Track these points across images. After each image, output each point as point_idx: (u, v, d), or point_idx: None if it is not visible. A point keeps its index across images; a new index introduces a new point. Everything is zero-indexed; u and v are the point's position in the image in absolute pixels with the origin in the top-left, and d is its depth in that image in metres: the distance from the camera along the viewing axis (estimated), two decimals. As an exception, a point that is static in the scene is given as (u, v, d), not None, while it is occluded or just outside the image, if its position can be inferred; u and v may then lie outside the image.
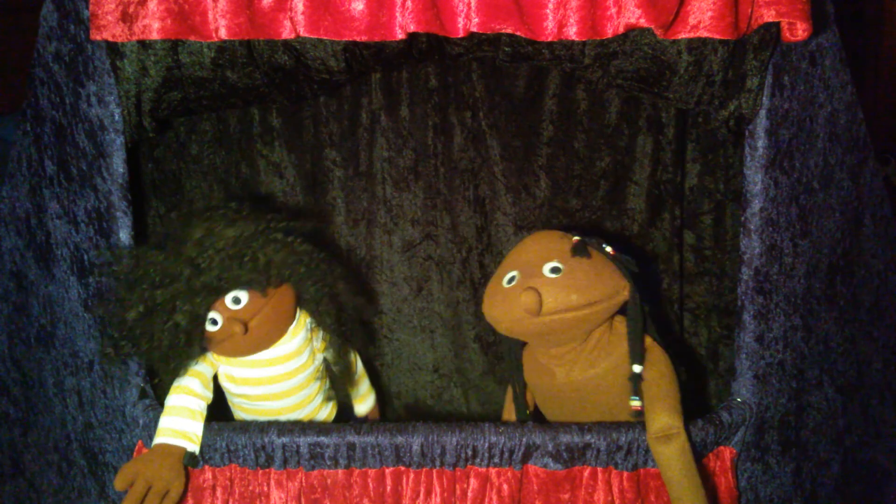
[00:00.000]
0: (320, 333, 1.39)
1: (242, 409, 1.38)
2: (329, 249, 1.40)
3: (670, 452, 1.15)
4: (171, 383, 1.27)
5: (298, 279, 1.31)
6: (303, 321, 1.37)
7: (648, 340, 1.28)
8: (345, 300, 1.39)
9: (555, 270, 1.23)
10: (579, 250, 1.25)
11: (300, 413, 1.38)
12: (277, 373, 1.33)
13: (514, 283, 1.25)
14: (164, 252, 1.23)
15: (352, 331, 1.42)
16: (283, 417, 1.36)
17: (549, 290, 1.21)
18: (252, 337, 1.27)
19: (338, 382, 1.45)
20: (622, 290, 1.24)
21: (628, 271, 1.26)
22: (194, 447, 1.20)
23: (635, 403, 1.23)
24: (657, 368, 1.24)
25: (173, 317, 1.20)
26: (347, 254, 1.73)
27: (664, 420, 1.16)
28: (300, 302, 1.35)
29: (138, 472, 1.15)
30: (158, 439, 1.19)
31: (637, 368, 1.23)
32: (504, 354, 1.45)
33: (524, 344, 1.38)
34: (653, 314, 1.32)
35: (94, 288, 1.28)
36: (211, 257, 1.22)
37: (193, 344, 1.23)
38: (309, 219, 1.46)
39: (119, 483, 1.15)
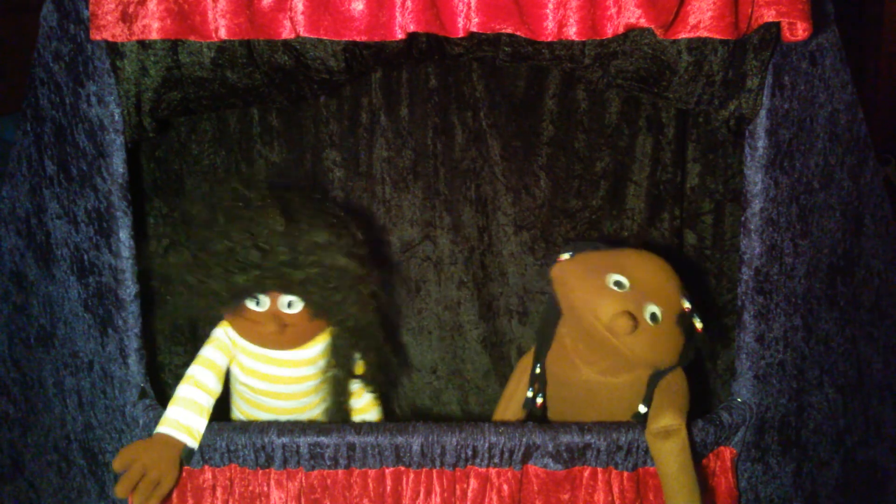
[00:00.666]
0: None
1: (241, 396, 1.38)
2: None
3: (668, 448, 1.15)
4: (173, 362, 1.29)
5: (344, 328, 1.34)
6: (327, 333, 1.37)
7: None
8: (372, 361, 1.40)
9: (654, 318, 1.24)
10: (682, 321, 1.26)
11: (295, 417, 1.38)
12: (287, 374, 1.34)
13: (619, 290, 1.25)
14: (275, 218, 1.24)
15: (373, 380, 1.44)
16: (281, 418, 1.36)
17: (641, 335, 1.21)
18: (276, 338, 1.28)
19: (331, 403, 1.45)
20: (669, 362, 1.25)
21: (689, 354, 1.27)
22: (194, 444, 1.20)
23: (642, 409, 1.25)
24: (670, 376, 1.24)
25: (238, 276, 1.22)
26: (382, 278, 1.72)
27: (667, 417, 1.16)
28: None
29: (137, 457, 1.16)
30: (162, 428, 1.20)
31: (643, 409, 1.24)
32: (543, 315, 1.44)
33: (560, 317, 1.36)
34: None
35: (94, 288, 1.28)
36: (311, 263, 1.24)
37: (229, 306, 1.26)
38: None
39: (117, 464, 1.16)
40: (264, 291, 1.26)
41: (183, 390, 1.24)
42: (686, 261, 1.66)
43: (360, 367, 1.42)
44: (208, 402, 1.24)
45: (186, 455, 1.20)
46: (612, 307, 1.21)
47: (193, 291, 1.26)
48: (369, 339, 1.38)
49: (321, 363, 1.37)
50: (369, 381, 1.44)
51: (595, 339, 1.25)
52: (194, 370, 1.28)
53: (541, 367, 1.38)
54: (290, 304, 1.28)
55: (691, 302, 1.29)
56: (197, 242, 1.25)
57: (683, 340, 1.27)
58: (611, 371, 1.28)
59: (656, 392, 1.22)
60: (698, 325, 1.29)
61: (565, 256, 1.33)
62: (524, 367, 1.44)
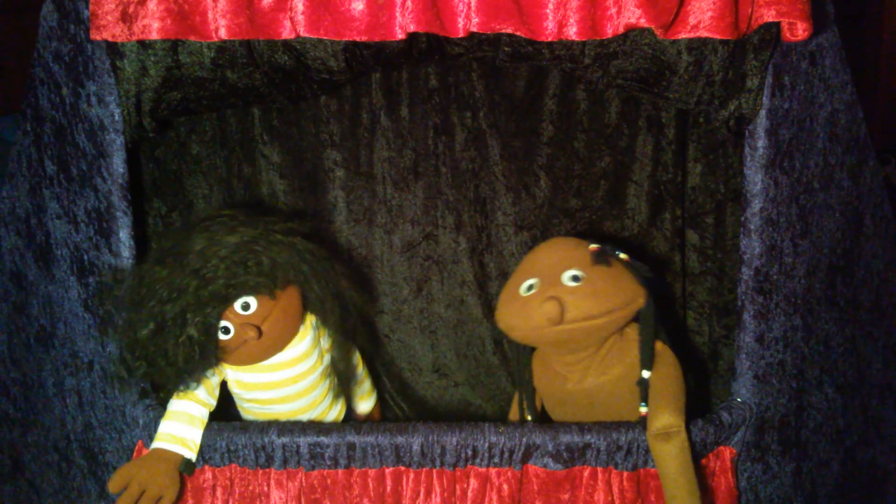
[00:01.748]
0: (326, 333, 1.39)
1: (253, 414, 1.37)
2: (328, 247, 1.40)
3: (669, 450, 1.15)
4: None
5: (304, 279, 1.31)
6: (309, 323, 1.36)
7: (659, 345, 1.27)
8: (348, 297, 1.38)
9: (575, 279, 1.23)
10: (599, 259, 1.24)
11: (311, 414, 1.38)
12: (288, 376, 1.33)
13: (532, 290, 1.25)
14: (166, 267, 1.22)
15: (355, 328, 1.42)
16: (296, 419, 1.36)
17: (572, 299, 1.20)
18: (266, 340, 1.26)
19: (342, 381, 1.44)
20: (639, 297, 1.24)
21: (643, 278, 1.26)
22: (191, 455, 1.19)
23: (644, 410, 1.23)
24: (664, 369, 1.24)
25: (185, 330, 1.19)
26: (349, 253, 1.73)
27: (665, 418, 1.16)
28: (305, 302, 1.34)
29: (133, 475, 1.15)
30: (156, 444, 1.19)
31: (646, 374, 1.23)
32: (511, 359, 1.45)
33: (533, 349, 1.37)
34: (662, 316, 1.32)
35: (94, 288, 1.28)
36: (216, 266, 1.21)
37: (209, 355, 1.22)
38: (307, 218, 1.45)
39: (113, 486, 1.15)
40: (218, 319, 1.23)
41: (174, 405, 1.23)
42: (686, 261, 1.67)
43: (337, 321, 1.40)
44: (201, 413, 1.23)
45: (185, 467, 1.19)
46: (535, 307, 1.22)
47: (180, 377, 1.22)
48: (331, 277, 1.35)
49: (315, 354, 1.36)
50: (350, 330, 1.42)
51: (564, 341, 1.25)
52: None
53: (531, 413, 1.39)
54: (247, 307, 1.25)
55: (597, 242, 1.29)
56: (137, 332, 1.20)
57: (623, 272, 1.26)
58: (601, 370, 1.28)
59: (652, 390, 1.22)
60: (621, 255, 1.28)
61: (497, 308, 1.34)
62: (515, 408, 1.46)
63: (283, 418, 1.36)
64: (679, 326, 1.69)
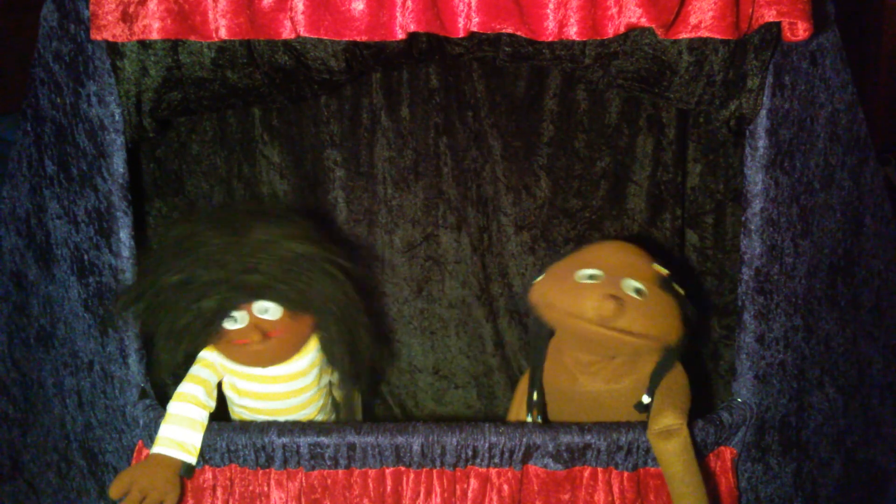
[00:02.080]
0: (330, 371, 1.38)
1: (240, 419, 1.37)
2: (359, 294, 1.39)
3: (671, 449, 1.14)
4: (166, 376, 1.26)
5: (324, 317, 1.30)
6: (314, 342, 1.35)
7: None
8: (361, 348, 1.37)
9: (639, 292, 1.21)
10: (666, 285, 1.24)
11: None
12: (281, 390, 1.33)
13: (595, 281, 1.22)
14: (220, 235, 1.22)
15: (359, 374, 1.41)
16: None
17: (632, 311, 1.18)
18: (263, 350, 1.26)
19: (336, 413, 1.44)
20: (675, 334, 1.23)
21: (687, 318, 1.25)
22: (192, 459, 1.19)
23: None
24: (672, 377, 1.23)
25: (202, 301, 1.19)
26: (348, 253, 1.72)
27: (668, 417, 1.15)
28: (317, 331, 1.34)
29: (134, 480, 1.15)
30: (156, 448, 1.18)
31: (646, 399, 1.23)
32: (531, 338, 1.42)
33: (551, 336, 1.35)
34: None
35: (94, 288, 1.28)
36: (265, 262, 1.21)
37: (208, 334, 1.23)
38: (358, 257, 1.43)
39: (114, 491, 1.15)
40: (235, 307, 1.23)
41: (174, 407, 1.22)
42: (687, 261, 1.66)
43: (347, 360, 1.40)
44: (201, 416, 1.22)
45: (185, 471, 1.19)
46: (593, 298, 1.18)
47: (171, 338, 1.22)
48: (353, 320, 1.34)
49: (314, 373, 1.35)
50: (358, 371, 1.42)
51: (594, 341, 1.23)
52: (184, 387, 1.25)
53: (538, 393, 1.38)
54: (267, 311, 1.25)
55: (666, 268, 1.28)
56: (159, 282, 1.21)
57: (677, 307, 1.25)
58: (613, 378, 1.28)
59: (657, 392, 1.22)
60: (679, 289, 1.27)
61: (538, 279, 1.32)
62: (522, 391, 1.44)
63: None
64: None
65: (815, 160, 1.28)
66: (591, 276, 1.24)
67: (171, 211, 1.58)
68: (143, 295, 1.21)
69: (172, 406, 1.22)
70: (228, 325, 1.24)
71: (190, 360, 1.32)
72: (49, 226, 1.33)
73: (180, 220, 1.24)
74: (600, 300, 1.17)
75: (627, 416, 1.27)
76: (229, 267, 1.20)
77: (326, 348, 1.34)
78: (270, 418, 1.34)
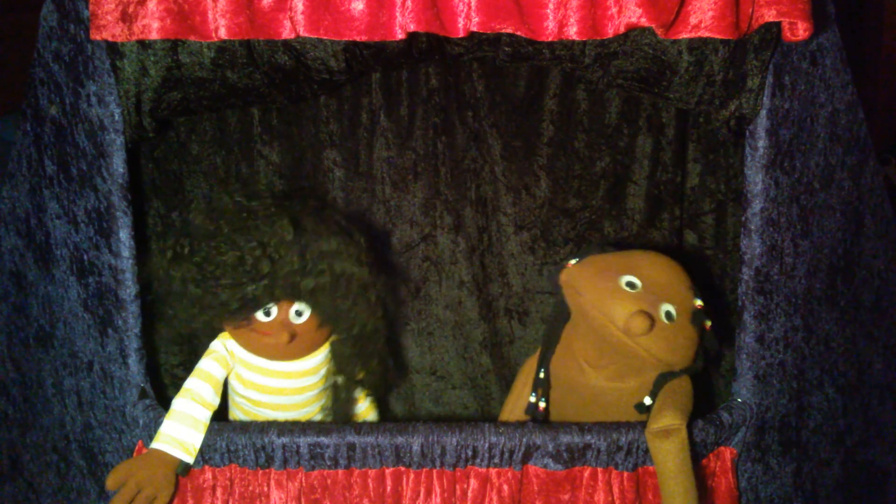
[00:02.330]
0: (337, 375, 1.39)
1: (240, 409, 1.37)
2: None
3: (667, 447, 1.14)
4: (173, 362, 1.27)
5: (348, 333, 1.32)
6: (326, 343, 1.36)
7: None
8: (373, 365, 1.39)
9: (669, 316, 1.23)
10: (696, 320, 1.25)
11: None
12: (287, 386, 1.33)
13: (634, 290, 1.24)
14: (283, 229, 1.23)
15: (370, 386, 1.43)
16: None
17: (658, 333, 1.21)
18: (283, 348, 1.28)
19: (334, 414, 1.44)
20: (688, 363, 1.25)
21: (706, 352, 1.27)
22: (190, 459, 1.19)
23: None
24: (676, 382, 1.24)
25: (247, 286, 1.20)
26: (388, 282, 1.72)
27: (667, 417, 1.15)
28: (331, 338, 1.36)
29: (131, 473, 1.15)
30: (156, 444, 1.19)
31: (648, 401, 1.24)
32: (549, 318, 1.43)
33: (567, 320, 1.36)
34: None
35: (94, 288, 1.28)
36: (320, 271, 1.24)
37: (237, 319, 1.24)
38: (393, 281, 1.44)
39: (111, 482, 1.15)
40: (275, 301, 1.26)
41: (179, 404, 1.22)
42: (687, 261, 1.66)
43: (360, 373, 1.42)
44: (205, 416, 1.23)
45: (182, 470, 1.19)
46: (627, 308, 1.20)
47: (199, 304, 1.24)
48: (372, 344, 1.37)
49: (322, 372, 1.36)
50: (369, 385, 1.44)
51: (609, 342, 1.24)
52: (192, 383, 1.26)
53: (545, 372, 1.38)
54: (298, 314, 1.28)
55: (702, 300, 1.29)
56: (202, 253, 1.24)
57: (697, 340, 1.26)
58: (618, 376, 1.28)
59: (660, 395, 1.22)
60: (707, 323, 1.28)
61: (573, 262, 1.32)
62: (528, 371, 1.44)
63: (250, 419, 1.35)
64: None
65: (815, 160, 1.28)
66: (630, 284, 1.25)
67: (171, 211, 1.58)
68: (192, 255, 1.22)
69: (178, 402, 1.23)
70: (260, 315, 1.26)
71: (193, 356, 1.32)
72: (49, 226, 1.33)
73: (242, 192, 1.26)
74: (634, 313, 1.19)
75: (627, 415, 1.27)
76: (283, 262, 1.21)
77: (337, 356, 1.36)
78: (272, 412, 1.34)
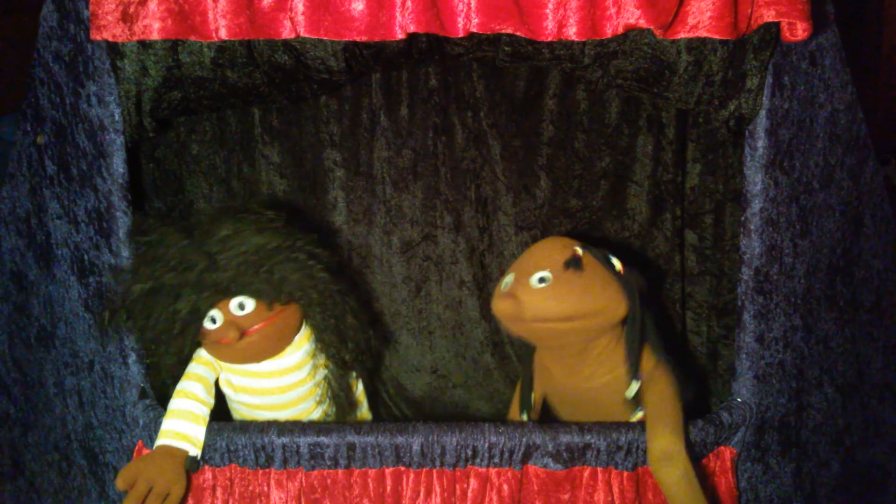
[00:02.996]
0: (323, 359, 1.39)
1: (239, 414, 1.37)
2: (345, 281, 1.39)
3: (673, 478, 1.13)
4: (167, 377, 1.27)
5: (308, 303, 1.30)
6: (306, 335, 1.36)
7: (652, 361, 1.26)
8: (351, 335, 1.37)
9: (542, 280, 1.23)
10: (571, 263, 1.24)
11: None
12: (276, 385, 1.33)
13: (507, 287, 1.26)
14: (189, 239, 1.23)
15: (355, 360, 1.41)
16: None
17: (529, 300, 1.22)
18: (245, 346, 1.26)
19: (339, 409, 1.44)
20: (616, 308, 1.23)
21: (631, 289, 1.24)
22: (196, 451, 1.19)
23: (640, 415, 1.24)
24: (657, 388, 1.22)
25: (176, 303, 1.20)
26: (348, 254, 1.73)
27: (663, 442, 1.15)
28: (306, 322, 1.34)
29: (140, 472, 1.15)
30: (161, 441, 1.19)
31: (634, 386, 1.22)
32: (516, 348, 1.47)
33: (533, 349, 1.38)
34: (657, 319, 1.31)
35: (94, 288, 1.28)
36: (230, 258, 1.22)
37: (187, 335, 1.23)
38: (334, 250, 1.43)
39: (121, 483, 1.15)
40: (208, 306, 1.23)
41: (176, 403, 1.23)
42: (685, 261, 1.67)
43: (346, 353, 1.40)
44: (203, 412, 1.23)
45: (190, 463, 1.19)
46: (494, 304, 1.26)
47: (154, 342, 1.23)
48: (344, 320, 1.35)
49: (308, 367, 1.35)
50: (357, 361, 1.42)
51: (538, 341, 1.29)
52: (183, 384, 1.26)
53: (529, 395, 1.39)
54: (242, 307, 1.25)
55: (588, 246, 1.27)
56: (130, 296, 1.22)
57: (599, 279, 1.24)
58: (588, 374, 1.29)
59: (647, 412, 1.20)
60: (617, 264, 1.25)
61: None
62: (518, 393, 1.46)
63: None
64: (676, 326, 1.69)
65: (815, 160, 1.28)
66: (507, 283, 1.27)
67: (171, 211, 1.58)
68: (122, 305, 1.22)
69: (174, 402, 1.23)
70: (208, 325, 1.24)
71: (188, 357, 1.32)
72: (49, 226, 1.33)
73: (149, 229, 1.24)
74: (496, 304, 1.25)
75: (611, 413, 1.28)
76: (195, 268, 1.20)
77: (318, 336, 1.35)
78: (268, 413, 1.34)
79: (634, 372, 1.23)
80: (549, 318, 1.22)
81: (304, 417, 1.38)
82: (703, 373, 1.66)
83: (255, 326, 1.26)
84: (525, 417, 1.38)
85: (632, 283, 1.25)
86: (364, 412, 1.57)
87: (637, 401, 1.24)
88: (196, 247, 1.22)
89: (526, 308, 1.22)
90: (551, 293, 1.22)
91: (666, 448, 1.14)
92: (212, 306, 1.23)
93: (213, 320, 1.24)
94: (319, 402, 1.39)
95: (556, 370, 1.32)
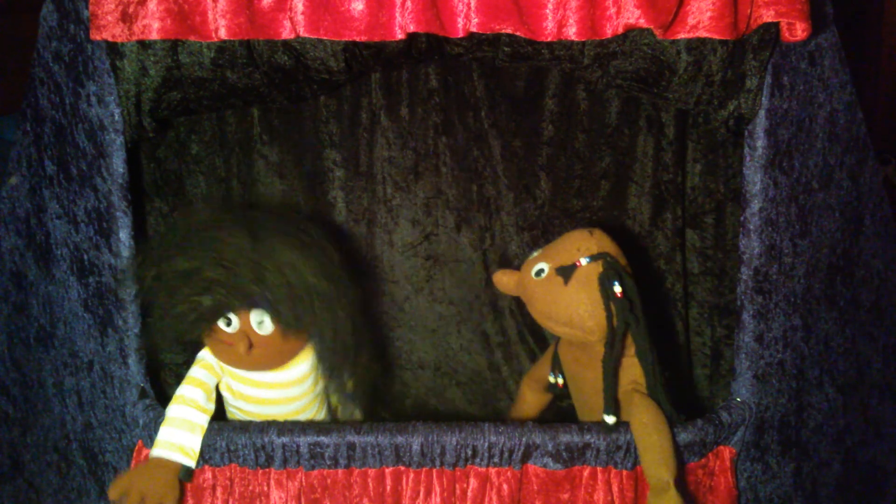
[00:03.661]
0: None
1: (235, 419, 1.36)
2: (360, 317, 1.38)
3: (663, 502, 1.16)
4: (154, 347, 1.26)
5: (320, 340, 1.30)
6: (310, 350, 1.34)
7: (641, 384, 1.25)
8: (358, 370, 1.37)
9: (539, 273, 1.30)
10: (562, 272, 1.27)
11: None
12: (276, 396, 1.32)
13: (531, 259, 1.35)
14: (238, 237, 1.21)
15: (358, 395, 1.42)
16: None
17: (523, 284, 1.32)
18: (247, 358, 1.25)
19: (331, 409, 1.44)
20: (588, 331, 1.24)
21: (622, 317, 1.22)
22: (190, 462, 1.19)
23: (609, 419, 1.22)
24: (638, 418, 1.20)
25: (202, 296, 1.18)
26: (348, 254, 1.73)
27: (652, 480, 1.16)
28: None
29: (133, 483, 1.15)
30: (156, 451, 1.18)
31: (609, 420, 1.21)
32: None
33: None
34: (653, 320, 1.31)
35: (94, 288, 1.28)
36: (277, 283, 1.20)
37: (197, 330, 1.23)
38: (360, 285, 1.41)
39: (113, 493, 1.15)
40: (232, 311, 1.22)
41: (173, 410, 1.21)
42: (686, 261, 1.67)
43: (349, 383, 1.40)
44: (201, 420, 1.22)
45: (184, 474, 1.19)
46: (495, 277, 1.40)
47: (163, 314, 1.21)
48: (351, 355, 1.33)
49: (309, 381, 1.34)
50: (358, 393, 1.42)
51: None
52: (183, 389, 1.25)
53: (556, 354, 1.43)
54: (261, 324, 1.24)
55: (608, 261, 1.26)
56: (166, 264, 1.21)
57: (580, 296, 1.24)
58: (590, 367, 1.30)
59: (636, 438, 1.19)
60: (616, 289, 1.23)
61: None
62: (551, 350, 1.48)
63: None
64: (681, 327, 1.69)
65: (814, 160, 1.28)
66: (532, 257, 1.36)
67: (171, 211, 1.58)
68: (150, 269, 1.20)
69: (172, 409, 1.22)
70: (222, 324, 1.24)
71: (190, 359, 1.32)
72: (49, 226, 1.33)
73: (201, 210, 1.25)
74: (498, 276, 1.39)
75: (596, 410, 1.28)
76: (237, 271, 1.19)
77: (321, 360, 1.34)
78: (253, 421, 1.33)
79: (608, 407, 1.21)
80: (531, 310, 1.32)
81: None
82: (704, 373, 1.66)
83: (265, 345, 1.25)
84: (552, 378, 1.43)
85: (618, 311, 1.23)
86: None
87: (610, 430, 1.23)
88: (241, 246, 1.20)
89: (520, 291, 1.33)
90: (536, 289, 1.29)
91: (655, 484, 1.16)
92: (234, 311, 1.22)
93: (229, 323, 1.23)
94: (317, 415, 1.39)
95: (564, 356, 1.37)
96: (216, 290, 1.19)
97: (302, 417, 1.36)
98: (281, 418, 1.33)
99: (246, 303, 1.21)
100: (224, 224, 1.25)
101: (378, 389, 1.66)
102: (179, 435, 1.19)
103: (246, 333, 1.23)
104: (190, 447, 1.19)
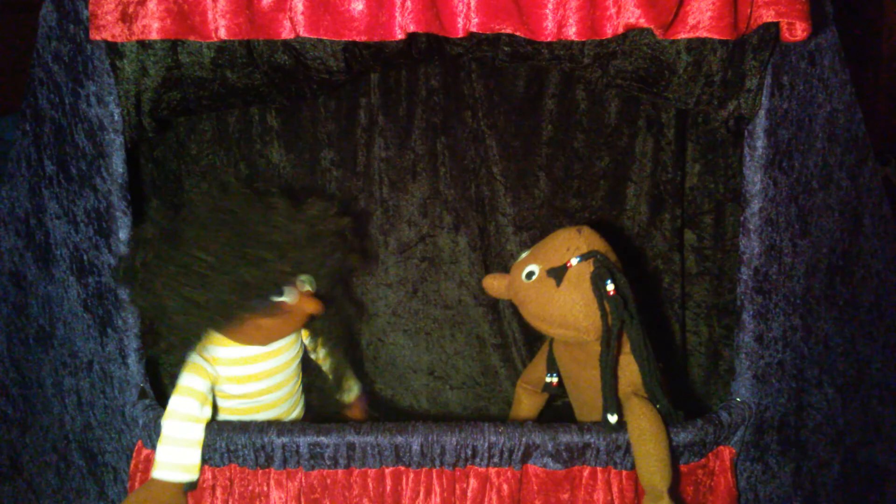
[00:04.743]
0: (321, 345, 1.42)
1: (235, 411, 1.33)
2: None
3: None
4: (176, 351, 1.26)
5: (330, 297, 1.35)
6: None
7: (639, 387, 1.25)
8: (338, 306, 1.40)
9: (529, 275, 1.29)
10: (553, 273, 1.27)
11: (293, 400, 1.39)
12: (275, 364, 1.33)
13: (520, 260, 1.35)
14: (255, 212, 1.24)
15: (338, 336, 1.43)
16: (278, 409, 1.36)
17: (513, 287, 1.32)
18: (299, 321, 1.30)
19: (330, 379, 1.45)
20: (583, 330, 1.25)
21: (616, 314, 1.21)
22: (192, 477, 1.19)
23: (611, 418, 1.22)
24: (635, 424, 1.20)
25: (273, 263, 1.20)
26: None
27: (645, 483, 1.17)
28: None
29: None
30: (157, 473, 1.17)
31: (611, 419, 1.21)
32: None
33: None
34: (652, 321, 1.31)
35: (94, 288, 1.28)
36: (317, 238, 1.27)
37: (250, 308, 1.22)
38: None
39: None
40: (289, 282, 1.25)
41: (169, 428, 1.19)
42: (686, 261, 1.67)
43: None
44: (198, 434, 1.20)
45: (189, 486, 1.19)
46: (485, 281, 1.39)
47: (193, 308, 1.18)
48: (330, 283, 1.37)
49: (296, 346, 1.37)
50: (333, 333, 1.43)
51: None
52: (176, 403, 1.21)
53: (550, 354, 1.44)
54: (305, 284, 1.30)
55: (599, 258, 1.26)
56: (186, 252, 1.17)
57: (572, 297, 1.24)
58: (577, 366, 1.32)
59: (632, 443, 1.19)
60: (609, 287, 1.22)
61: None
62: (545, 350, 1.48)
63: (268, 409, 1.35)
64: (673, 326, 1.69)
65: (814, 160, 1.28)
66: (522, 258, 1.35)
67: (171, 211, 1.58)
68: (166, 261, 1.18)
69: (168, 426, 1.20)
70: (277, 298, 1.24)
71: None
72: (48, 226, 1.33)
73: (205, 195, 1.27)
74: (488, 280, 1.38)
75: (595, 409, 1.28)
76: (279, 244, 1.21)
77: (319, 328, 1.39)
78: (268, 397, 1.34)
79: (610, 406, 1.21)
80: (523, 313, 1.31)
81: (296, 391, 1.40)
82: (704, 373, 1.67)
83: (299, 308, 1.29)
84: (548, 379, 1.44)
85: (614, 313, 1.22)
86: (352, 385, 1.55)
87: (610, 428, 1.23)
88: (267, 225, 1.23)
89: (510, 294, 1.32)
90: (528, 292, 1.29)
91: (649, 493, 1.17)
92: (290, 282, 1.26)
93: (280, 293, 1.25)
94: (299, 384, 1.41)
95: (560, 356, 1.37)
96: (267, 265, 1.19)
97: (295, 381, 1.38)
98: (283, 385, 1.35)
99: (300, 268, 1.26)
100: (234, 205, 1.25)
101: (373, 393, 1.68)
102: (178, 454, 1.19)
103: (306, 294, 1.28)
104: (191, 463, 1.19)
